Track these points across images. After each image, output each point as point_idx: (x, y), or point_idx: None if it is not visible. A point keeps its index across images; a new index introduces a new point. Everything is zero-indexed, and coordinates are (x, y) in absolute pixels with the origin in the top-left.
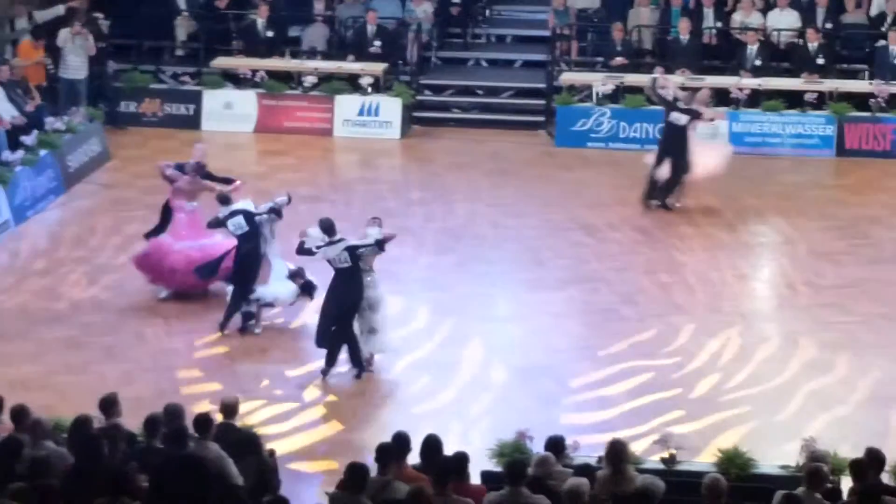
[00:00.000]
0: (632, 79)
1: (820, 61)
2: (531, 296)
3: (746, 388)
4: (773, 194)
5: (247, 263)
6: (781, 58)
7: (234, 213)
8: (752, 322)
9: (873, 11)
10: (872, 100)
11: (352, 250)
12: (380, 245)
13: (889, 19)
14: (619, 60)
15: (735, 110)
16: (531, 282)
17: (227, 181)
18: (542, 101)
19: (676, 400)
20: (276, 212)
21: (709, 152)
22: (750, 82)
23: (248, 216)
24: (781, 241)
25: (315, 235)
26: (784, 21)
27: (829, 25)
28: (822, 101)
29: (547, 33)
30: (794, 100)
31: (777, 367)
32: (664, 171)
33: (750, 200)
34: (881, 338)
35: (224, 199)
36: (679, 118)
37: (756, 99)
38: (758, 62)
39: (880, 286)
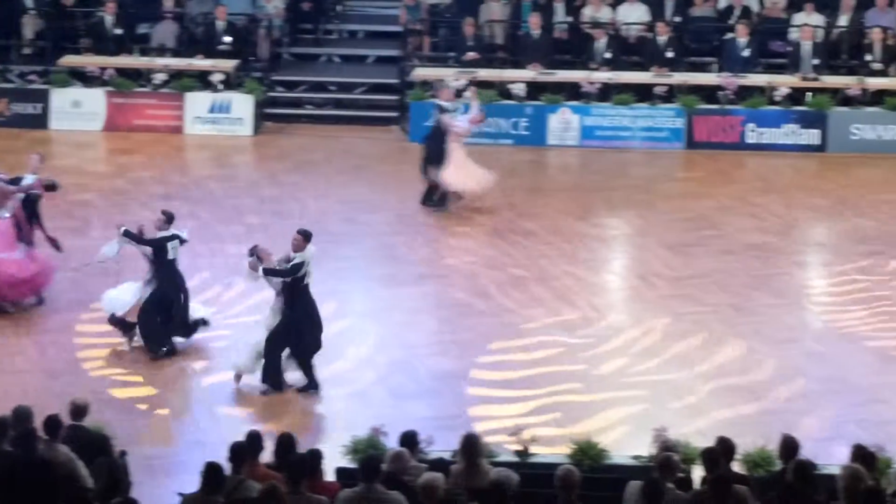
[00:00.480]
0: (484, 73)
1: (669, 55)
2: (386, 291)
3: (602, 379)
4: (625, 187)
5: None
6: (631, 52)
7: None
8: (605, 314)
9: (721, 5)
10: (721, 92)
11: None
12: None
13: (736, 12)
14: (471, 55)
15: (586, 104)
16: (386, 277)
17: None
18: (396, 97)
19: (530, 393)
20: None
21: (470, 172)
22: (600, 76)
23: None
24: (633, 233)
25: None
26: (633, 15)
27: (677, 19)
28: (671, 94)
29: (399, 29)
30: (644, 93)
31: (628, 358)
32: (438, 173)
33: (601, 194)
34: (731, 328)
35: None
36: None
37: (607, 93)
38: (608, 56)
39: (729, 276)
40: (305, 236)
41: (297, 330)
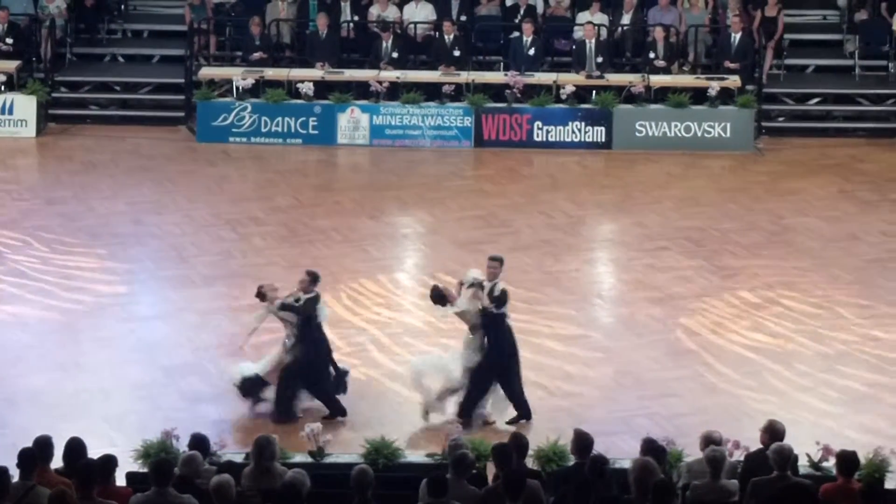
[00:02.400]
0: (271, 73)
1: (456, 53)
2: (176, 293)
3: (398, 376)
4: (415, 186)
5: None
6: (418, 50)
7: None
8: (397, 313)
9: (507, 3)
10: (508, 91)
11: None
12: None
13: (522, 11)
14: (258, 55)
15: (375, 103)
16: (176, 279)
17: None
18: (182, 97)
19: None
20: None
21: None
22: (388, 75)
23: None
24: (425, 231)
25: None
26: (420, 14)
27: (463, 18)
28: (459, 92)
29: (184, 28)
30: (432, 92)
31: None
32: None
33: (392, 192)
34: (524, 324)
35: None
36: None
37: (395, 92)
38: (395, 55)
39: (521, 274)
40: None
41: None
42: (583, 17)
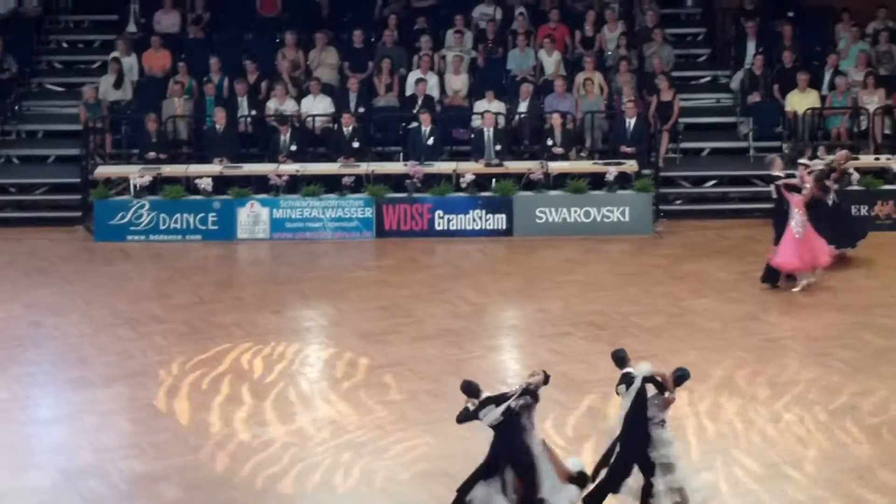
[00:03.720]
0: (169, 170)
1: (355, 145)
2: (76, 395)
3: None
4: (317, 278)
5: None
6: (317, 143)
7: (484, 403)
8: (304, 402)
9: (406, 94)
10: (408, 181)
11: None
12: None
13: (420, 101)
14: (154, 153)
15: (274, 197)
16: (75, 381)
17: None
18: (79, 196)
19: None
20: (530, 394)
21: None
22: (287, 168)
23: (500, 403)
24: (327, 324)
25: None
26: (318, 107)
27: (362, 109)
28: (359, 183)
29: (79, 127)
30: (332, 184)
31: (323, 452)
32: None
33: (294, 285)
34: (428, 415)
35: (470, 389)
36: None
37: (295, 184)
38: (293, 148)
39: (424, 363)
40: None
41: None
42: (480, 105)
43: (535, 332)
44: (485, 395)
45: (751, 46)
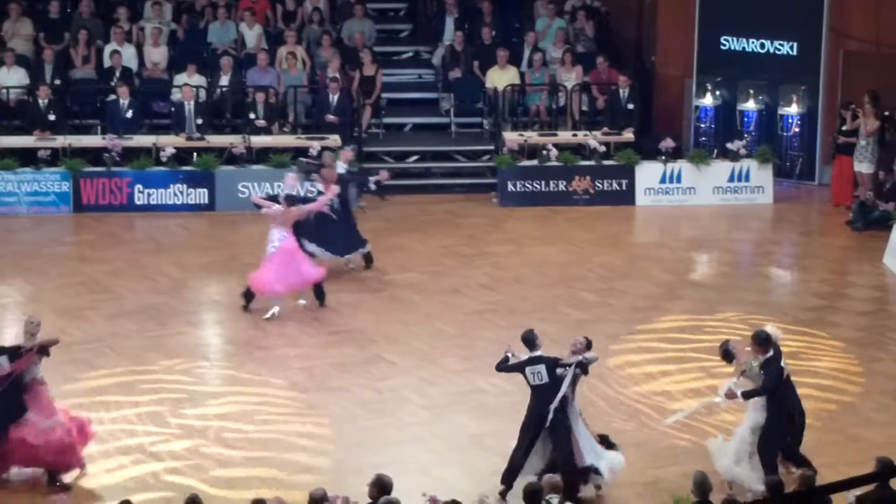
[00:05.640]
0: None
1: (51, 117)
2: None
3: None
4: (13, 254)
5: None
6: (12, 115)
7: (534, 361)
8: None
9: (104, 65)
10: (106, 154)
11: (552, 368)
12: (583, 368)
13: (118, 73)
14: None
15: None
16: None
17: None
18: None
19: None
20: (582, 367)
21: None
22: None
23: (552, 366)
24: (24, 300)
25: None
26: (13, 79)
27: (58, 81)
28: (56, 157)
29: None
30: (27, 158)
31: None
32: None
33: None
34: (128, 390)
35: (527, 340)
36: None
37: None
38: None
39: (124, 339)
40: (760, 340)
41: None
42: (180, 78)
43: (239, 308)
44: (537, 353)
45: (451, 22)
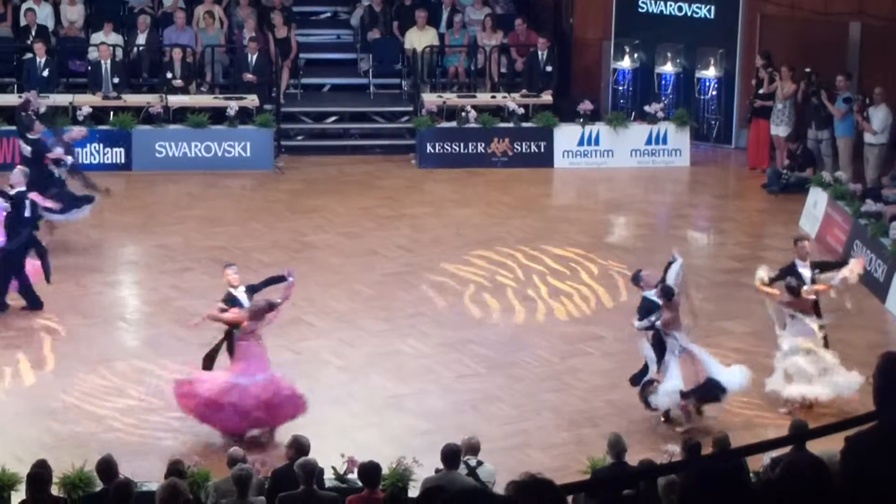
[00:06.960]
0: None
1: None
2: None
3: None
4: None
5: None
6: None
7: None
8: None
9: (20, 24)
10: (24, 113)
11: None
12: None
13: (33, 32)
14: None
15: None
16: None
17: None
18: None
19: None
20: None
21: None
22: None
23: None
24: None
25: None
26: None
27: None
28: None
29: None
30: None
31: None
32: None
33: None
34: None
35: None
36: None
37: None
38: None
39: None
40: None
41: None
42: (97, 37)
43: (156, 268)
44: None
45: None
